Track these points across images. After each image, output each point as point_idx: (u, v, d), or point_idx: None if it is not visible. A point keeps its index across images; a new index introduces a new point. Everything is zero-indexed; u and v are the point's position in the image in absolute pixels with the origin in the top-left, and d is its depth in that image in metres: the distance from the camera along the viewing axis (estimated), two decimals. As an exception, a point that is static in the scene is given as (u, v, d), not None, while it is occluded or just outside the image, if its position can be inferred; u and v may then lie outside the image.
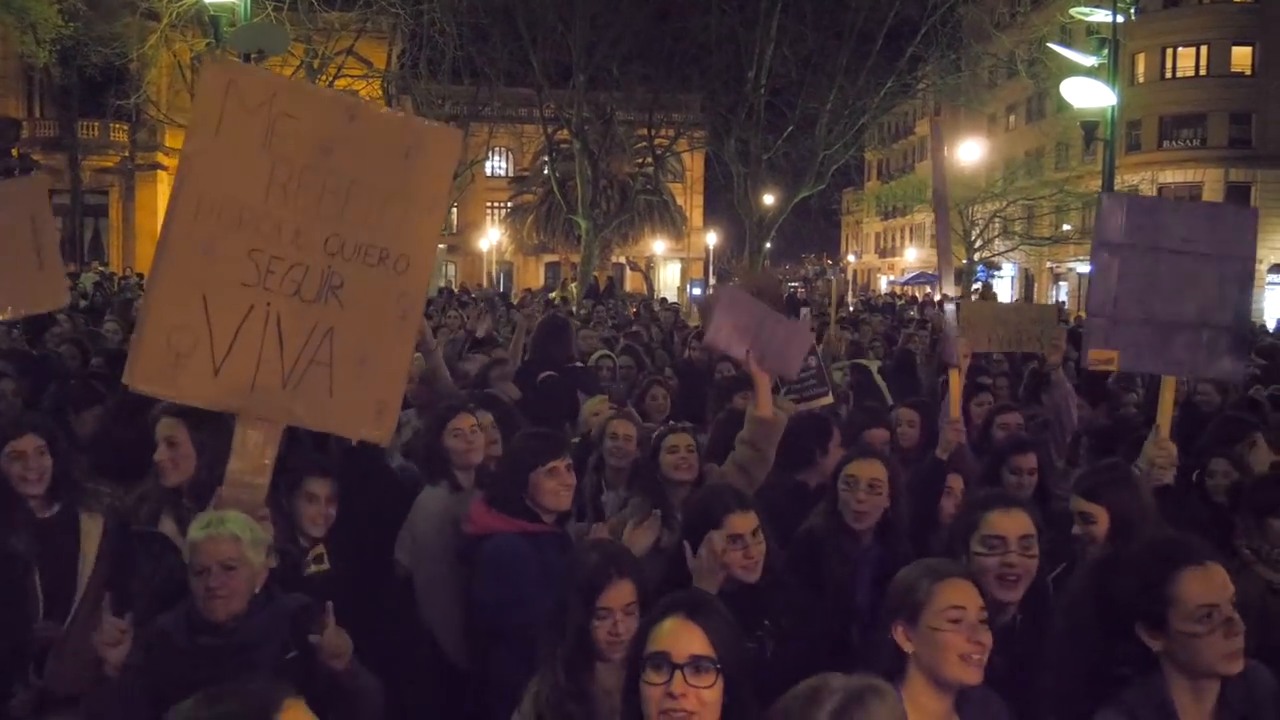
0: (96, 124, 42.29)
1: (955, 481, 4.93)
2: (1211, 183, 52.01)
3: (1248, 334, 5.72)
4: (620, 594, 3.11)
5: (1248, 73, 51.82)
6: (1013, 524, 3.36)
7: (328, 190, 4.11)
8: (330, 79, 31.16)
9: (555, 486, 4.36)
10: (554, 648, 3.06)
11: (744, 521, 3.67)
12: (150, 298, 4.09)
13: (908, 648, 2.75)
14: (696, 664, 2.41)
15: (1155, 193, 51.57)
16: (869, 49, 33.36)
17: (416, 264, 4.24)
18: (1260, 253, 51.01)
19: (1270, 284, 51.37)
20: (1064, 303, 45.60)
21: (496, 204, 60.99)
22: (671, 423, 6.12)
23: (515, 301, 26.71)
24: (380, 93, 34.36)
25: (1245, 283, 5.06)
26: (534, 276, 58.59)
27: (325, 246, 4.11)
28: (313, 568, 4.48)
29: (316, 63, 30.75)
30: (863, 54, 33.44)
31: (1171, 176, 52.65)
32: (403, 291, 4.21)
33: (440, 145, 4.37)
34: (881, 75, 33.84)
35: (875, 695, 1.95)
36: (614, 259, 52.40)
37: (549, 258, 58.73)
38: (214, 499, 3.94)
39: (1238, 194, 51.66)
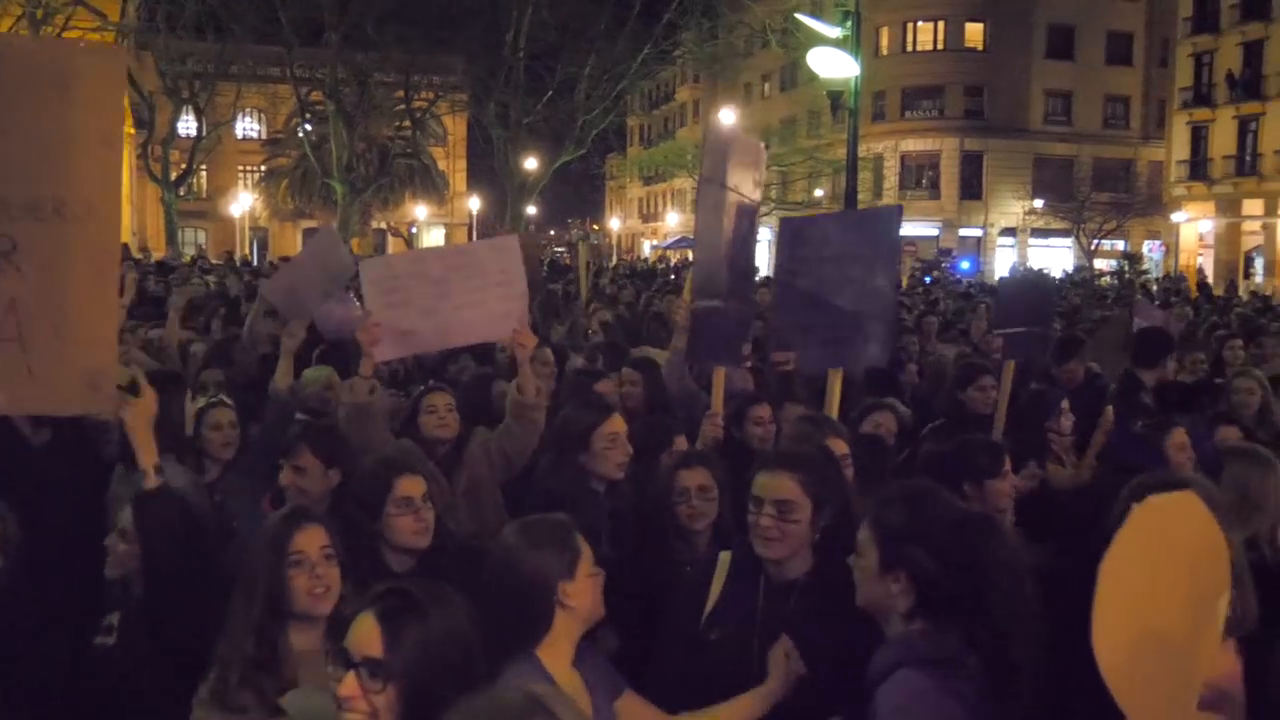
0: None
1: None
2: (949, 151, 55.23)
3: (893, 320, 6.21)
4: (312, 538, 2.99)
5: (980, 48, 55.12)
6: (772, 485, 3.32)
7: (-29, 145, 3.57)
8: (58, 31, 28.86)
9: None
10: (245, 613, 2.90)
11: (413, 485, 3.59)
12: None
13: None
14: (371, 667, 2.24)
15: (898, 160, 54.39)
16: (627, 15, 33.61)
17: (101, 210, 3.69)
18: (991, 217, 54.72)
19: (1001, 246, 55.11)
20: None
21: (249, 167, 58.46)
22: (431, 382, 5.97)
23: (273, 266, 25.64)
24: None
25: (891, 274, 5.47)
26: (291, 243, 56.44)
27: None
28: None
29: (40, 13, 28.47)
30: (621, 19, 33.70)
31: (913, 145, 55.56)
32: (90, 243, 3.69)
33: (102, 69, 3.75)
34: (639, 41, 34.18)
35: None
36: (375, 225, 51.15)
37: (306, 223, 56.60)
38: None
39: (972, 161, 55.09)
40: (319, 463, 4.16)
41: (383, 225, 51.92)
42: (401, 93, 39.45)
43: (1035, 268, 44.82)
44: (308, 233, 56.14)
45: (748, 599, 3.23)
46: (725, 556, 3.39)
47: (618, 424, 4.38)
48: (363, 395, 4.70)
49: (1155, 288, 32.84)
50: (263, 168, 56.61)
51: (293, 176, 50.69)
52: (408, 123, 41.98)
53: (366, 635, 2.24)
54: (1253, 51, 47.44)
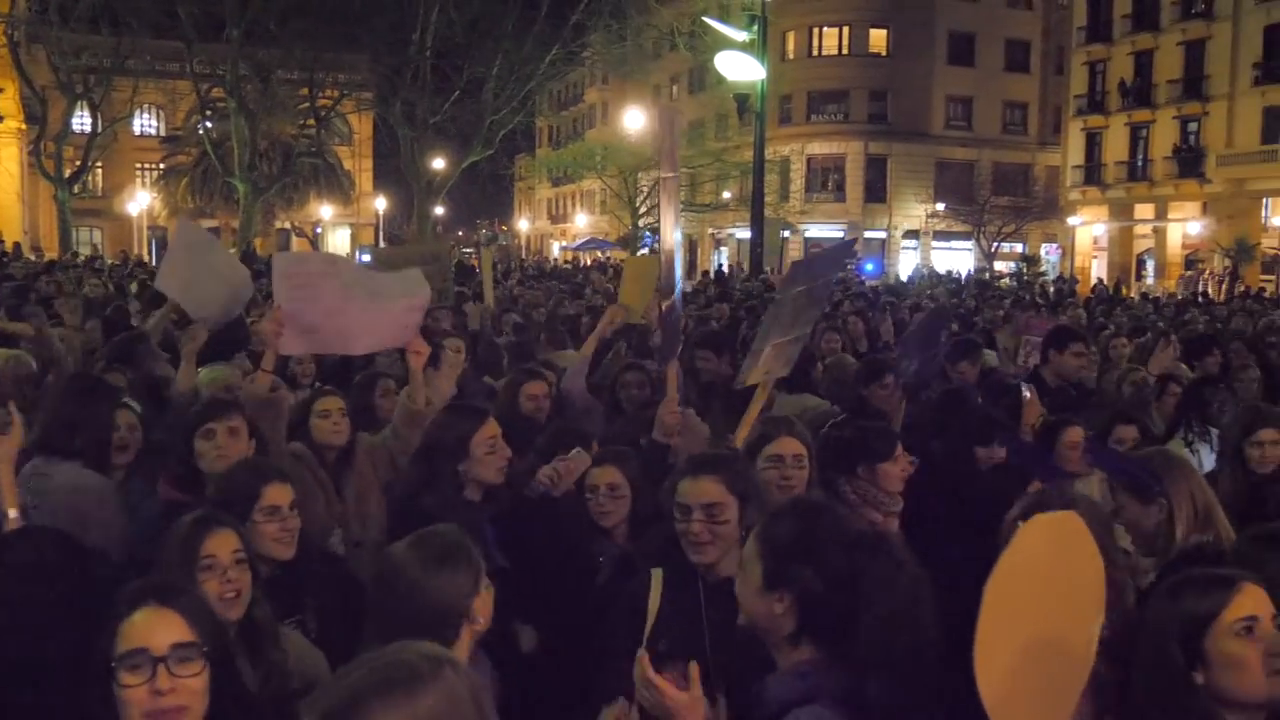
0: None
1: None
2: (854, 154, 56.08)
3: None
4: (223, 542, 2.97)
5: (884, 53, 56.09)
6: (696, 491, 3.32)
7: None
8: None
9: None
10: None
11: (281, 493, 3.54)
12: None
13: None
14: (180, 653, 2.26)
15: (805, 163, 55.09)
16: (534, 15, 33.50)
17: None
18: (895, 220, 55.71)
19: (904, 248, 56.13)
20: (723, 265, 47.86)
21: (147, 165, 57.02)
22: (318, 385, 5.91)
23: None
24: (4, 40, 31.15)
25: (822, 299, 5.87)
26: (191, 243, 55.21)
27: None
28: None
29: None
30: (528, 20, 33.54)
31: (819, 148, 56.31)
32: None
33: None
34: (547, 42, 34.07)
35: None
36: (278, 224, 50.26)
37: (207, 223, 55.10)
38: None
39: (876, 165, 56.01)
40: (247, 427, 4.19)
41: (287, 225, 51.02)
42: (305, 90, 38.82)
43: (939, 271, 45.75)
44: (209, 232, 54.97)
45: (690, 604, 3.23)
46: (658, 574, 3.37)
47: (494, 428, 4.33)
48: (264, 391, 4.61)
49: (1051, 289, 33.70)
50: (161, 165, 55.20)
51: (193, 174, 49.52)
52: (312, 121, 41.29)
53: (164, 624, 2.30)
54: (1143, 61, 49.03)
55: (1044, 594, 2.06)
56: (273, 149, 43.97)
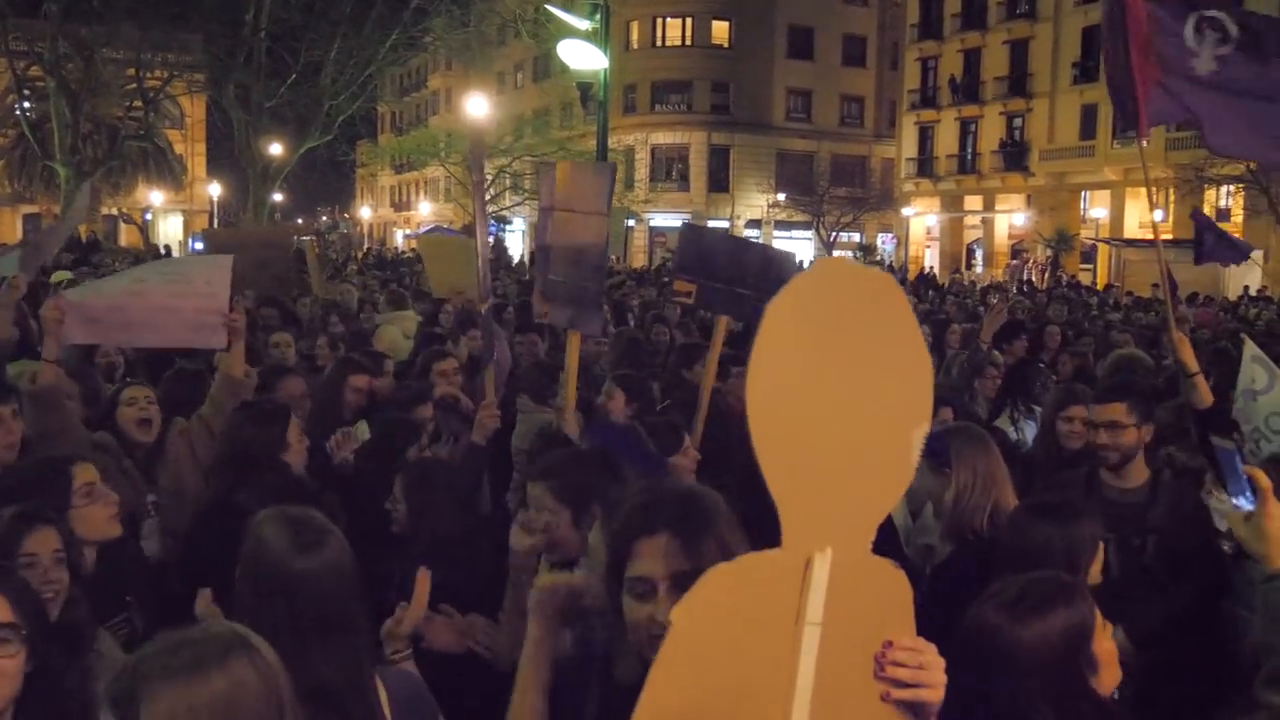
0: None
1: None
2: (697, 144, 56.79)
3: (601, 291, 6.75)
4: (44, 540, 2.87)
5: (726, 45, 56.89)
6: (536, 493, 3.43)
7: None
8: None
9: None
10: None
11: (88, 471, 3.47)
12: None
13: None
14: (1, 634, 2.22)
15: (649, 153, 55.49)
16: (374, -1, 32.82)
17: None
18: (737, 209, 56.59)
19: (747, 237, 57.09)
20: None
21: (-43, 148, 53.76)
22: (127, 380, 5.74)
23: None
24: None
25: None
26: (10, 229, 52.26)
27: None
28: None
29: None
30: (368, 2, 32.81)
31: (662, 138, 56.83)
32: None
33: None
34: (388, 26, 33.40)
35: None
36: (105, 211, 48.05)
37: (27, 208, 52.55)
38: None
39: (719, 155, 56.84)
40: (12, 411, 4.10)
41: (114, 211, 48.82)
42: (133, 71, 37.08)
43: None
44: (28, 219, 52.28)
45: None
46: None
47: (296, 426, 4.36)
48: (48, 381, 4.45)
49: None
50: (-26, 148, 52.19)
51: (10, 157, 46.89)
52: (140, 103, 39.50)
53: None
54: (972, 58, 50.97)
55: (725, 645, 1.66)
56: (98, 131, 41.97)
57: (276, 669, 1.86)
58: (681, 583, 1.86)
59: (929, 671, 1.69)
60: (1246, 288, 28.36)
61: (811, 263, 1.84)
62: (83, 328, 4.77)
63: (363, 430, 5.20)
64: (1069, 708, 2.41)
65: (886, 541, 1.78)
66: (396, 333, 9.05)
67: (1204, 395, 4.87)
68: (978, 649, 2.44)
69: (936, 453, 3.82)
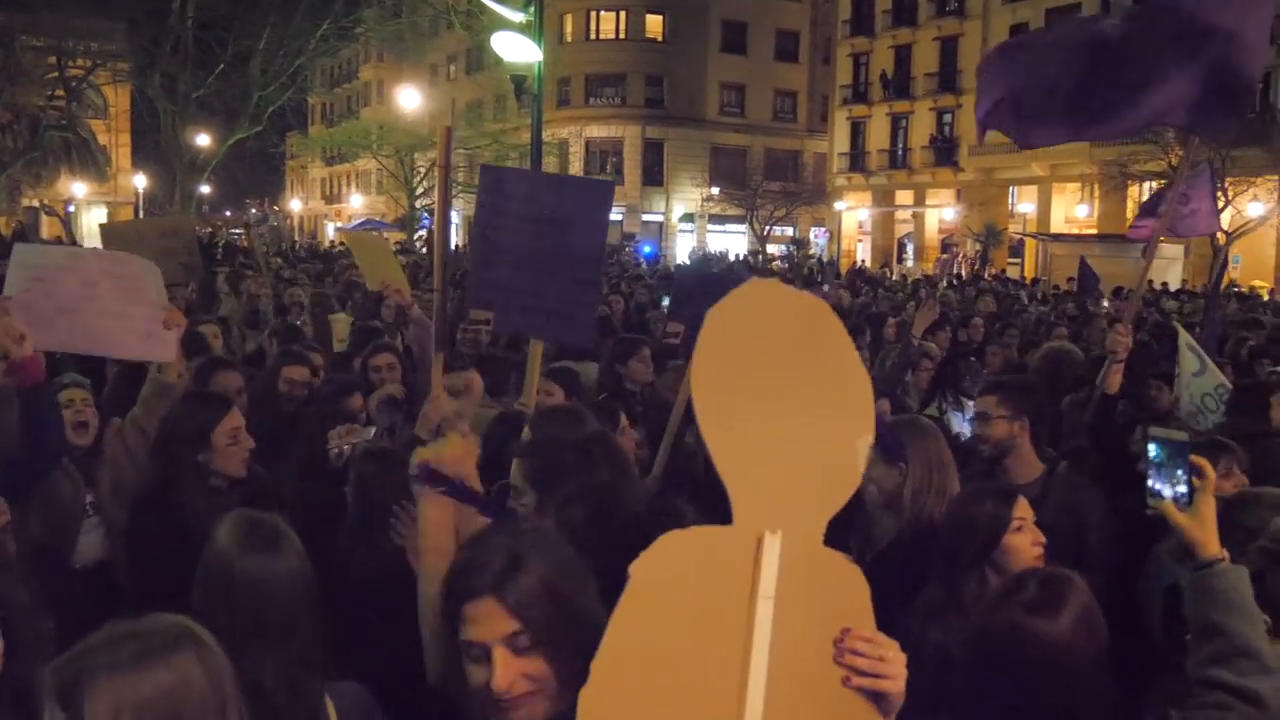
0: None
1: None
2: (631, 138, 56.78)
3: (597, 297, 6.47)
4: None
5: (660, 39, 56.95)
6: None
7: None
8: None
9: None
10: None
11: (236, 419, 3.65)
12: None
13: None
14: None
15: (584, 146, 55.38)
16: (304, -12, 32.37)
17: None
18: (672, 203, 56.67)
19: (681, 231, 57.28)
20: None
21: None
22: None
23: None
24: None
25: (598, 247, 5.38)
26: (-75, 221, 50.93)
27: None
28: None
29: None
30: (299, -9, 32.38)
31: (597, 131, 56.72)
32: None
33: None
34: (319, 16, 32.98)
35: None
36: (26, 203, 46.89)
37: (-57, 200, 51.31)
38: None
39: (653, 149, 56.91)
40: None
41: (35, 203, 47.63)
42: (54, 59, 36.21)
43: (714, 251, 46.92)
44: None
45: None
46: None
47: (237, 418, 4.25)
48: None
49: (816, 270, 35.16)
50: (-113, 137, 50.61)
51: (-75, 147, 45.66)
52: (61, 91, 38.59)
53: None
54: (903, 55, 51.57)
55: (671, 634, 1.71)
56: (17, 121, 40.90)
57: (223, 663, 1.85)
58: (515, 643, 1.88)
59: (888, 664, 1.73)
60: (1165, 284, 29.03)
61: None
62: (34, 332, 4.45)
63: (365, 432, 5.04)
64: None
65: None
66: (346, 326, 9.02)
67: (1114, 382, 4.99)
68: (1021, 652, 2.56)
69: (886, 446, 3.91)
